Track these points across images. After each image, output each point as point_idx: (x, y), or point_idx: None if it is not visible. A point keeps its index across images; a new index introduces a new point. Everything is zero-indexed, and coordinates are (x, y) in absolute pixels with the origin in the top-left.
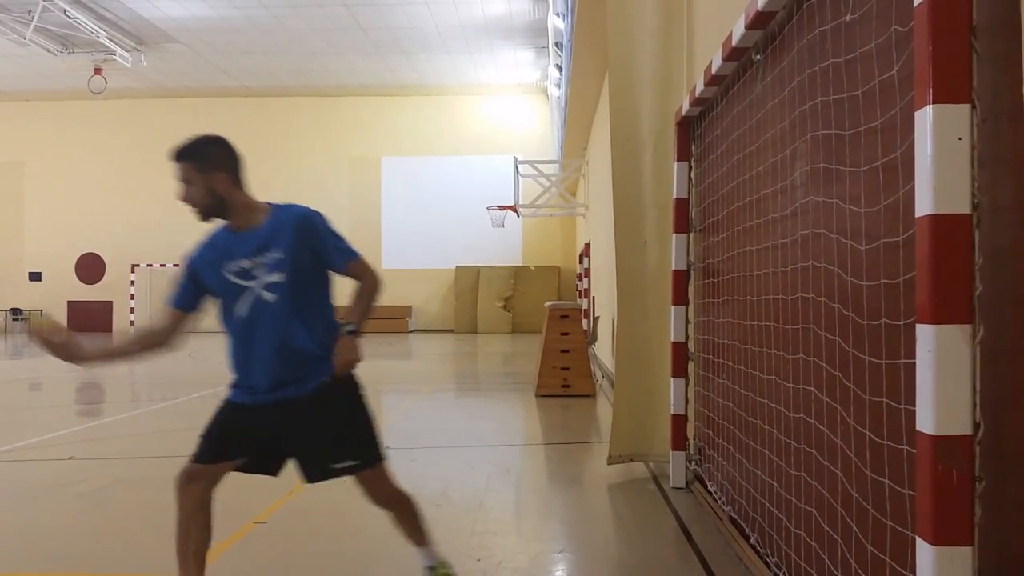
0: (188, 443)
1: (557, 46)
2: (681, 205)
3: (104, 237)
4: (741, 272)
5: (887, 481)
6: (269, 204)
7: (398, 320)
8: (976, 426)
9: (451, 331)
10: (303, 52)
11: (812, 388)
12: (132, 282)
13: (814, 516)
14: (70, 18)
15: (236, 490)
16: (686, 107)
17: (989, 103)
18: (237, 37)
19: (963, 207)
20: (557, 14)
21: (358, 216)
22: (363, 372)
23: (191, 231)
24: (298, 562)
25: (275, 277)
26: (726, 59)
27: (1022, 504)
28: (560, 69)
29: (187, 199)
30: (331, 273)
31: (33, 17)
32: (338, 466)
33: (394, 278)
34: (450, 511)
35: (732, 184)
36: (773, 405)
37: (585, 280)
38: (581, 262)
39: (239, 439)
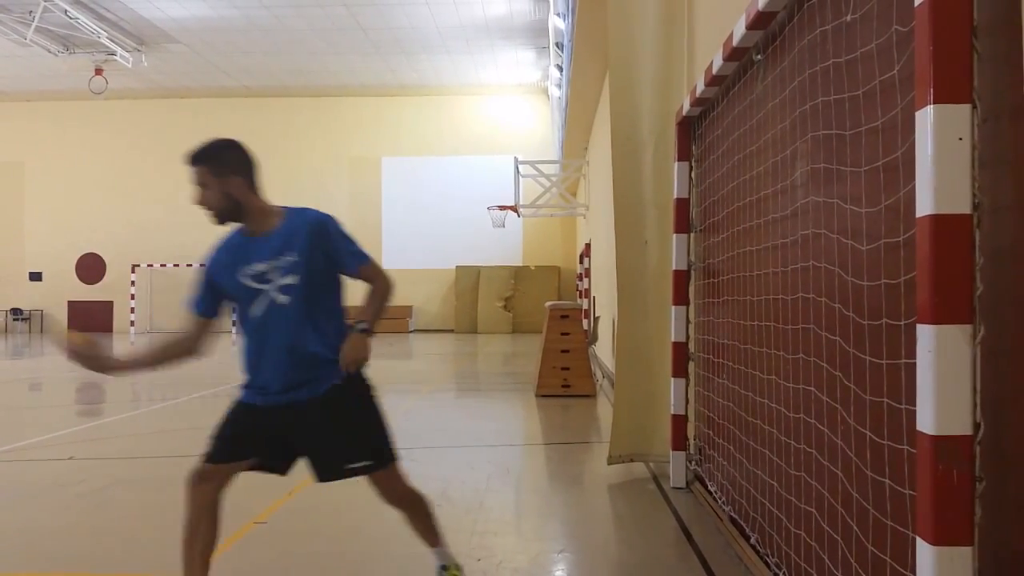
0: (188, 443)
1: (558, 46)
2: (682, 205)
3: (104, 237)
4: (742, 272)
5: (887, 481)
6: (283, 208)
7: (398, 320)
8: (976, 426)
9: (451, 331)
10: (303, 52)
11: (812, 388)
12: (132, 282)
13: (814, 516)
14: (71, 18)
15: (236, 490)
16: (687, 107)
17: (990, 103)
18: (237, 37)
19: (964, 207)
20: (558, 14)
21: (358, 216)
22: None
23: (191, 231)
24: (298, 562)
25: (289, 280)
26: (727, 59)
27: (1022, 504)
28: (561, 69)
29: (203, 203)
30: (343, 278)
31: (34, 17)
32: (352, 466)
33: (394, 278)
34: (450, 511)
35: (733, 184)
36: (773, 405)
37: (585, 280)
38: (581, 262)
39: (250, 440)
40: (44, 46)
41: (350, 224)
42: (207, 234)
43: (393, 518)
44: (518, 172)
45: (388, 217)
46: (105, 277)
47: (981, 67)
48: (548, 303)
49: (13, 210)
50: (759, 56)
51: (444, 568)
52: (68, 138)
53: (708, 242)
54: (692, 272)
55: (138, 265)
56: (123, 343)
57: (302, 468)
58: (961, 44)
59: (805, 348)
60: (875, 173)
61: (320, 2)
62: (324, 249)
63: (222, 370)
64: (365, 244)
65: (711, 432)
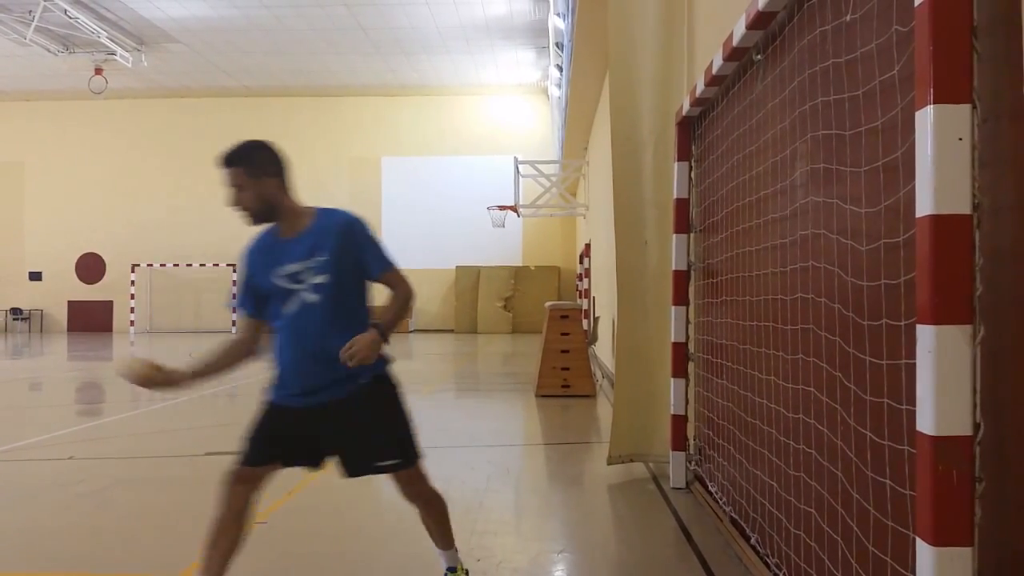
0: (188, 443)
1: (558, 46)
2: (681, 205)
3: (104, 237)
4: (741, 272)
5: (888, 481)
6: (314, 208)
7: None
8: (976, 426)
9: (451, 331)
10: (304, 52)
11: (812, 389)
12: (132, 282)
13: (814, 516)
14: (71, 18)
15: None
16: (686, 107)
17: (990, 103)
18: (237, 37)
19: (963, 207)
20: (558, 14)
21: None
22: None
23: (191, 231)
24: (298, 562)
25: (320, 279)
26: (727, 59)
27: (1022, 504)
28: (561, 69)
29: (238, 204)
30: (368, 283)
31: (34, 17)
32: (382, 464)
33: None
34: (450, 511)
35: (732, 184)
36: (773, 406)
37: (585, 280)
38: (581, 262)
39: (282, 441)
40: (44, 46)
41: None
42: (207, 234)
43: (393, 518)
44: (518, 172)
45: (388, 217)
46: (105, 277)
47: (981, 67)
48: (548, 303)
49: (13, 210)
50: (759, 56)
51: (452, 571)
52: (68, 138)
53: (708, 242)
54: (692, 272)
55: (138, 265)
56: (123, 343)
57: (300, 468)
58: (961, 44)
59: (805, 348)
60: (875, 173)
61: (320, 2)
62: (351, 251)
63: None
64: None
65: (711, 432)
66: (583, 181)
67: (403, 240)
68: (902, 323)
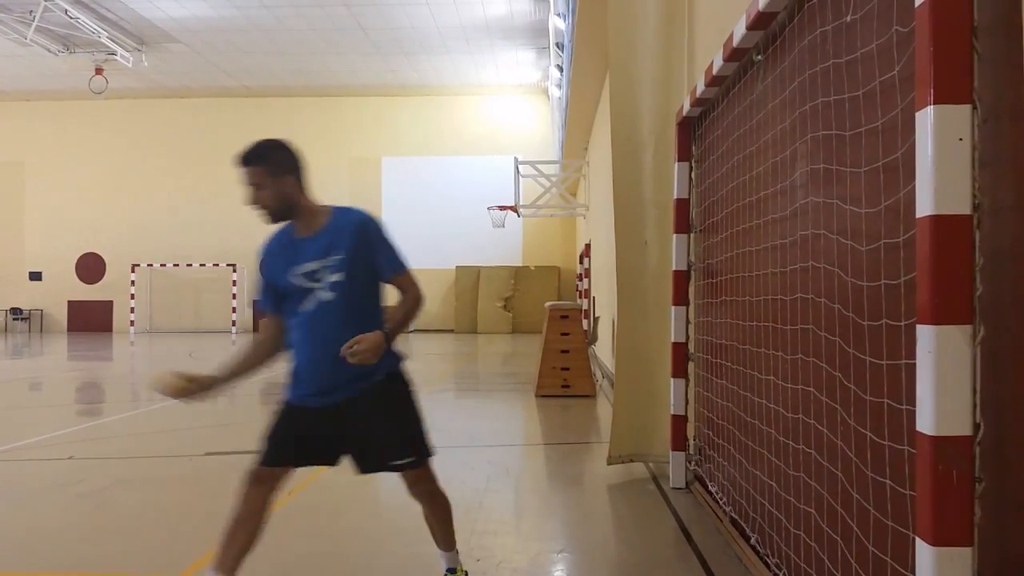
0: (188, 443)
1: (558, 46)
2: (682, 205)
3: (104, 237)
4: (741, 272)
5: (888, 481)
6: (331, 206)
7: None
8: (976, 427)
9: (451, 331)
10: (304, 52)
11: (812, 389)
12: (132, 282)
13: (814, 516)
14: (71, 18)
15: (237, 490)
16: (687, 107)
17: (990, 104)
18: (238, 37)
19: (964, 208)
20: (558, 15)
21: None
22: None
23: (191, 231)
24: (298, 562)
25: (336, 277)
26: (727, 59)
27: (1022, 504)
28: (561, 69)
29: (257, 203)
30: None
31: (34, 17)
32: (397, 463)
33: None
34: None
35: (733, 184)
36: (773, 406)
37: (585, 280)
38: (581, 262)
39: (300, 441)
40: (44, 46)
41: None
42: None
43: (393, 518)
44: (518, 172)
45: (388, 217)
46: (105, 277)
47: (981, 67)
48: (548, 303)
49: (13, 210)
50: (759, 56)
51: (451, 572)
52: (68, 138)
53: (708, 242)
54: (692, 272)
55: (138, 265)
56: (123, 343)
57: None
58: (961, 44)
59: (805, 349)
60: (875, 174)
61: (320, 2)
62: (364, 250)
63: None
64: None
65: (711, 432)
66: (583, 181)
67: (403, 240)
68: (902, 323)
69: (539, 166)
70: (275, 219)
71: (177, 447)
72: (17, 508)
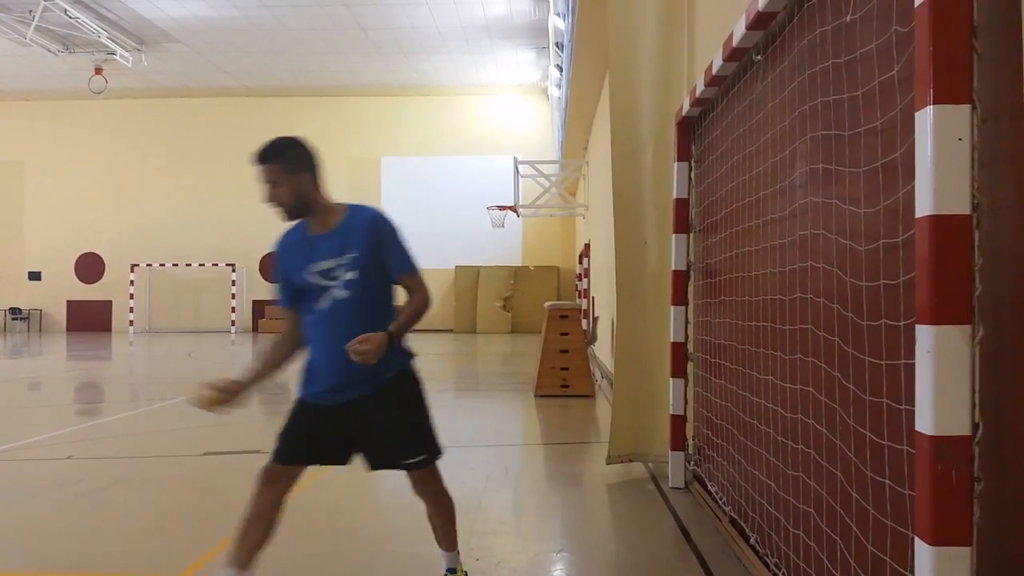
0: (187, 443)
1: (558, 46)
2: (681, 205)
3: (104, 237)
4: (741, 272)
5: (887, 481)
6: (346, 204)
7: None
8: (975, 426)
9: (450, 331)
10: (303, 52)
11: (811, 389)
12: (132, 282)
13: (813, 516)
14: (71, 18)
15: (236, 490)
16: (686, 107)
17: (989, 104)
18: (237, 37)
19: (963, 208)
20: (558, 14)
21: None
22: None
23: (190, 231)
24: (298, 562)
25: (350, 275)
26: (727, 59)
27: (1021, 504)
28: (560, 69)
29: (274, 200)
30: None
31: (34, 17)
32: (409, 461)
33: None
34: None
35: (732, 184)
36: (772, 406)
37: (585, 280)
38: (581, 262)
39: (314, 439)
40: (44, 45)
41: None
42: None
43: (393, 518)
44: (518, 172)
45: None
46: (104, 277)
47: (981, 67)
48: (547, 303)
49: (13, 210)
50: (759, 56)
51: (452, 572)
52: (68, 138)
53: (707, 242)
54: (691, 272)
55: (137, 265)
56: (122, 343)
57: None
58: (961, 44)
59: (804, 348)
60: (874, 174)
61: (320, 2)
62: (376, 248)
63: (221, 371)
64: None
65: (710, 432)
66: (583, 181)
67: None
68: (901, 323)
69: (539, 166)
70: (291, 216)
71: (176, 447)
72: (16, 508)
